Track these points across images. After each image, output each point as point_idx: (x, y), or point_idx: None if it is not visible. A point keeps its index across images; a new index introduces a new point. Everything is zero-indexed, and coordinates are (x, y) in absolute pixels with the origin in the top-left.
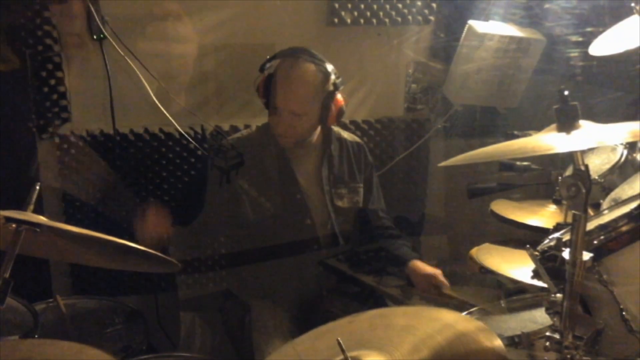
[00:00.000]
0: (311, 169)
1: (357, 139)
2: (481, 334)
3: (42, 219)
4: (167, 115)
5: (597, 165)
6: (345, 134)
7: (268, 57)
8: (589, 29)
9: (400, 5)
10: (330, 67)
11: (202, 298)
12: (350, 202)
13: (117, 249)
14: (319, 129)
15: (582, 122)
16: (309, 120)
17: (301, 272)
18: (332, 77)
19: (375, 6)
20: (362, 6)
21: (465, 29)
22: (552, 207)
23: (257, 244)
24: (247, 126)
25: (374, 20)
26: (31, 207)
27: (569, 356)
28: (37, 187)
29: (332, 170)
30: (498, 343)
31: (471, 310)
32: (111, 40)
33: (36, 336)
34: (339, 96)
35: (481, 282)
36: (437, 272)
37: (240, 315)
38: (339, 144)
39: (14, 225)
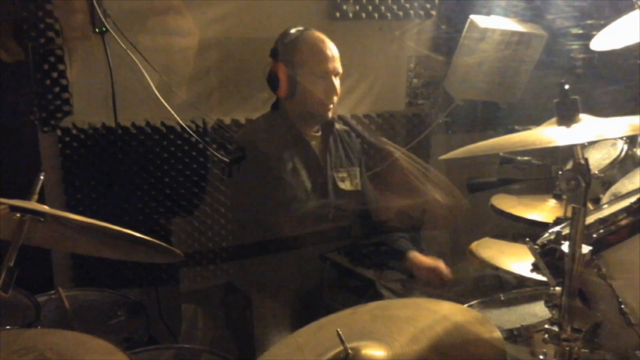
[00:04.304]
0: (319, 155)
1: (345, 127)
2: (480, 324)
3: (46, 208)
4: (169, 108)
5: (598, 160)
6: (336, 123)
7: (281, 41)
8: (589, 22)
9: (402, 0)
10: None
11: (204, 291)
12: (352, 184)
13: (120, 238)
14: None
15: (582, 115)
16: None
17: (304, 264)
18: None
19: (377, 0)
20: (364, 0)
21: (467, 24)
22: (552, 202)
23: (277, 234)
24: (249, 120)
25: (376, 15)
26: (35, 196)
27: (567, 349)
28: (41, 177)
29: (331, 155)
30: (496, 333)
31: (471, 303)
32: (113, 33)
33: (38, 327)
34: None
35: (481, 276)
36: (438, 263)
37: (242, 308)
38: (333, 131)
39: (18, 215)
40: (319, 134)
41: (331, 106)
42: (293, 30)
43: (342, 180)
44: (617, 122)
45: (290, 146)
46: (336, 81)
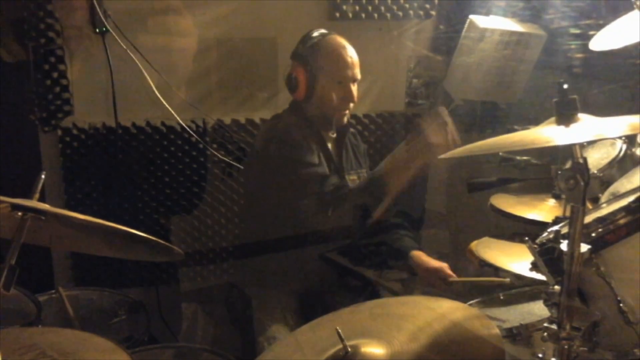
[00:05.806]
0: (335, 156)
1: (352, 129)
2: (478, 321)
3: (47, 206)
4: (169, 108)
5: (597, 159)
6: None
7: (303, 44)
8: (588, 22)
9: (401, 0)
10: None
11: (204, 290)
12: None
13: (120, 237)
14: None
15: (581, 115)
16: None
17: (304, 263)
18: None
19: (376, 0)
20: (364, 0)
21: (467, 24)
22: (552, 201)
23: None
24: (249, 120)
25: (376, 15)
26: (36, 195)
27: (566, 347)
28: (43, 176)
29: (345, 158)
30: (495, 331)
31: (471, 302)
32: (113, 33)
33: (39, 327)
34: None
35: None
36: (443, 265)
37: (243, 307)
38: (347, 134)
39: (19, 213)
40: (335, 135)
41: (346, 112)
42: (315, 34)
43: (353, 183)
44: (616, 121)
45: (312, 143)
46: (354, 88)
